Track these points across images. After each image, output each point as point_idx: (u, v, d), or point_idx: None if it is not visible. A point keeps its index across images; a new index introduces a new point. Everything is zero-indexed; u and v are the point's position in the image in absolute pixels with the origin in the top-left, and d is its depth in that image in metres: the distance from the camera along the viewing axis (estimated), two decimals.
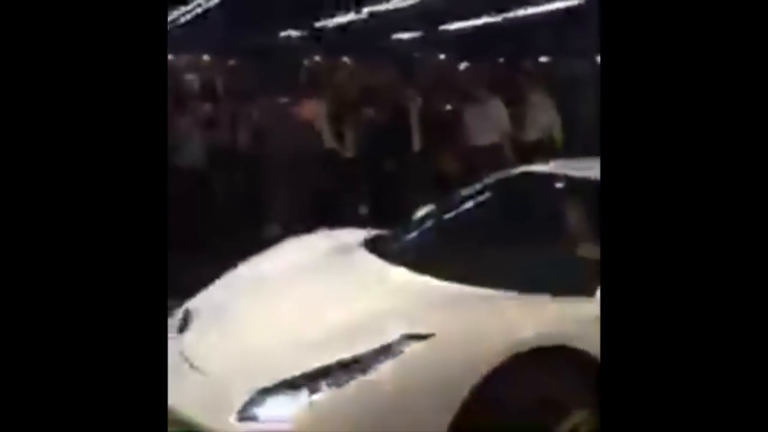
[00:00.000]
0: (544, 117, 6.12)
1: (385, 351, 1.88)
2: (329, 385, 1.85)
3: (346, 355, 1.90)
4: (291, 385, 1.88)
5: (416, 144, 5.93)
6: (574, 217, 2.66)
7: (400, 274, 2.41)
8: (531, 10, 15.49)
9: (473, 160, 5.68)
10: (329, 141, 5.69)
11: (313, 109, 5.63)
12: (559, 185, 2.91)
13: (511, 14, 15.92)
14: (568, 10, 14.70)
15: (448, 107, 6.48)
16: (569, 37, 16.53)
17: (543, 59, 17.24)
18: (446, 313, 2.06)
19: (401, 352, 1.87)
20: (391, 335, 1.91)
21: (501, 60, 11.83)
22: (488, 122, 5.84)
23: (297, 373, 1.89)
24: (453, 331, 1.93)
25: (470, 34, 17.45)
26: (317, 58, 16.43)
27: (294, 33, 15.69)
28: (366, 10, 14.33)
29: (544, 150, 6.13)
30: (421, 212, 3.12)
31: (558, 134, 6.21)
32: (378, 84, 6.83)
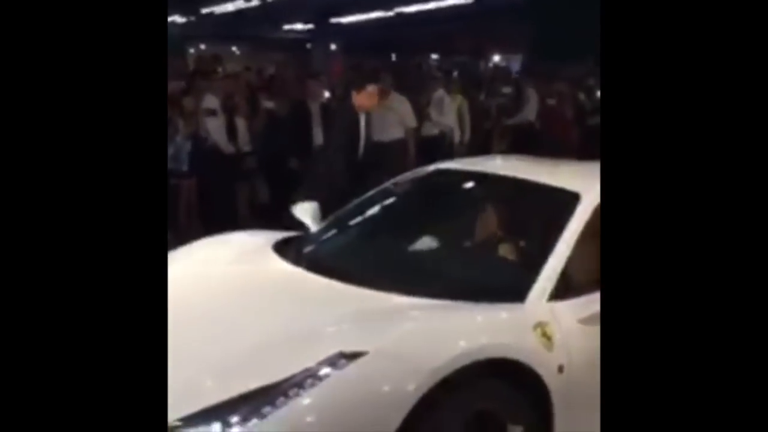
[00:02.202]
0: (446, 113, 6.13)
1: (315, 371, 1.66)
2: (250, 415, 1.60)
3: (269, 378, 1.66)
4: (207, 416, 1.61)
5: (318, 138, 5.71)
6: (493, 216, 2.58)
7: (320, 283, 2.19)
8: (421, 6, 15.73)
9: (376, 155, 5.57)
10: (217, 135, 5.31)
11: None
12: (476, 183, 2.83)
13: (403, 9, 16.06)
14: (456, 8, 15.10)
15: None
16: (457, 35, 17.08)
17: (434, 56, 17.65)
18: (375, 327, 1.87)
19: (333, 372, 1.65)
20: (321, 353, 1.70)
21: (393, 55, 11.90)
22: (393, 118, 5.74)
23: (213, 402, 1.63)
24: (386, 347, 1.74)
25: (361, 28, 17.43)
26: (203, 46, 15.65)
27: (179, 19, 14.77)
28: None
29: (445, 146, 6.16)
30: (333, 214, 2.91)
31: (459, 131, 6.25)
32: (276, 75, 6.53)
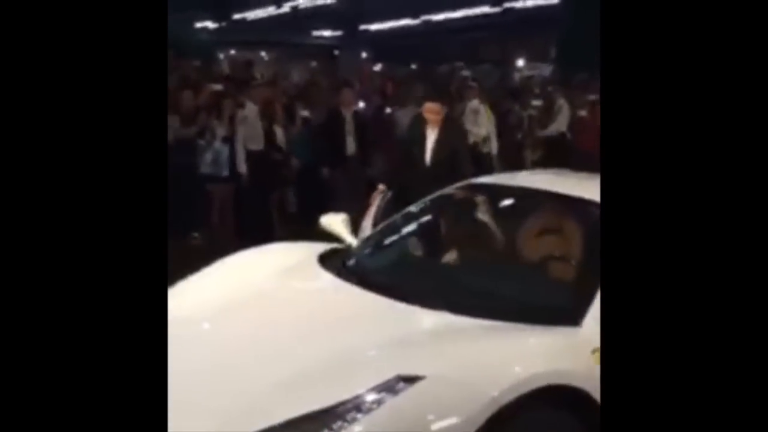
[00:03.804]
0: (480, 123, 6.10)
1: (372, 396, 1.64)
2: None
3: (325, 401, 1.64)
4: None
5: (351, 148, 5.73)
6: (543, 234, 2.55)
7: (370, 299, 2.18)
8: (448, 15, 15.74)
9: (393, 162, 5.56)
10: (256, 141, 5.36)
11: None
12: (520, 199, 2.79)
13: (430, 17, 16.09)
14: (483, 17, 15.06)
15: (388, 110, 6.33)
16: (484, 43, 17.02)
17: (458, 63, 17.63)
18: (431, 350, 1.84)
19: (390, 397, 1.63)
20: (378, 376, 1.68)
21: (431, 64, 11.93)
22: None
23: (267, 425, 1.62)
24: (444, 372, 1.71)
25: (388, 35, 17.49)
26: (233, 51, 15.84)
27: (211, 25, 14.95)
28: (288, 4, 13.90)
29: (482, 157, 6.13)
30: (377, 226, 2.91)
31: (493, 141, 6.22)
32: (312, 82, 6.57)
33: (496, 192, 2.83)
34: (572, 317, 1.97)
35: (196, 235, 5.26)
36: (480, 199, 2.83)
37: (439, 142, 3.76)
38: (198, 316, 2.20)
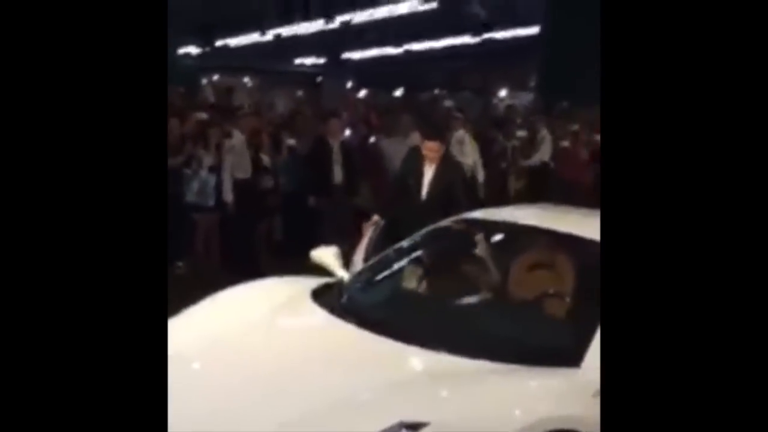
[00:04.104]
0: (466, 153, 6.15)
1: None
2: None
3: None
4: None
5: (338, 177, 5.72)
6: (538, 271, 2.55)
7: (366, 339, 2.14)
8: (430, 45, 15.99)
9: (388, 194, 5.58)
10: (243, 170, 5.34)
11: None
12: (512, 235, 2.80)
13: (411, 47, 16.33)
14: (464, 47, 15.33)
15: (372, 140, 6.35)
16: (465, 72, 17.30)
17: (437, 91, 17.88)
18: (433, 395, 1.81)
19: None
20: (380, 422, 1.65)
21: (414, 92, 12.05)
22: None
23: None
24: (447, 419, 1.69)
25: (370, 63, 17.68)
26: (216, 77, 15.83)
27: (193, 50, 14.98)
28: (271, 32, 13.99)
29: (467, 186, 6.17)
30: (369, 260, 2.89)
31: (479, 170, 6.27)
32: (298, 111, 6.58)
33: (488, 227, 2.84)
34: (572, 358, 1.97)
35: (180, 264, 5.18)
36: (473, 234, 2.83)
37: (437, 177, 3.80)
38: (188, 356, 2.15)
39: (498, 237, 2.87)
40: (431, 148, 3.82)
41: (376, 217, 3.82)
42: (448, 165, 3.88)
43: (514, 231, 2.75)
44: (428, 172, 3.82)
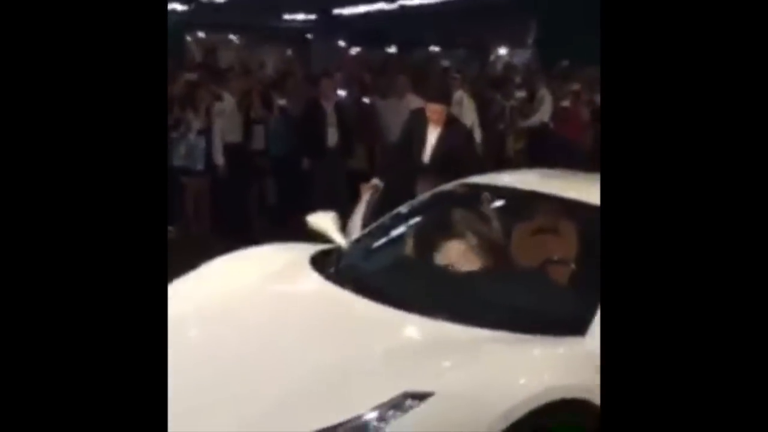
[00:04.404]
0: (465, 114, 6.01)
1: (380, 414, 1.56)
2: None
3: (327, 420, 1.55)
4: None
5: (332, 139, 5.59)
6: (544, 238, 2.48)
7: (368, 307, 2.08)
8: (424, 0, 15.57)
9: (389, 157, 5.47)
10: (233, 133, 5.20)
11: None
12: (515, 201, 2.72)
13: (405, 2, 15.89)
14: (459, 2, 14.94)
15: (366, 100, 6.19)
16: (460, 28, 16.94)
17: (434, 48, 17.49)
18: (437, 364, 1.76)
19: (399, 415, 1.55)
20: (383, 392, 1.59)
21: (408, 48, 11.75)
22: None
23: None
24: (453, 388, 1.65)
25: (362, 19, 17.23)
26: (201, 34, 15.41)
27: (179, 6, 14.51)
28: None
29: None
30: (368, 226, 2.81)
31: (476, 131, 6.14)
32: (288, 71, 6.39)
33: (490, 192, 2.75)
34: (577, 326, 1.92)
35: (171, 228, 5.09)
36: (475, 199, 2.75)
37: (441, 140, 3.68)
38: (185, 324, 2.08)
39: (500, 202, 2.79)
40: (435, 110, 3.70)
41: (375, 180, 3.71)
42: (452, 127, 3.75)
43: (517, 196, 2.67)
44: (432, 136, 3.71)
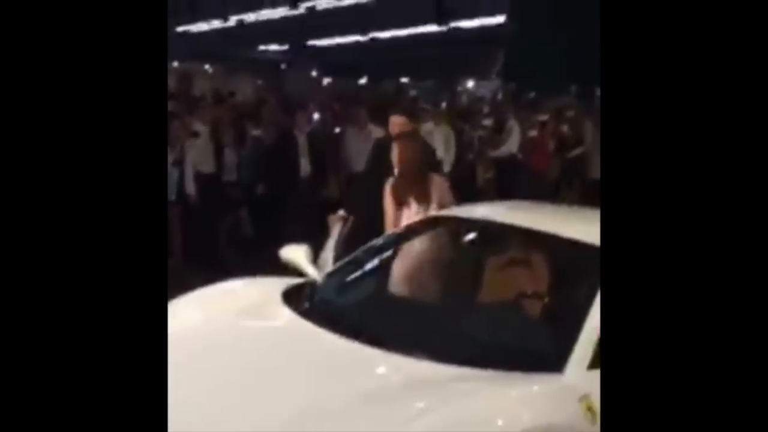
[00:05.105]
0: (436, 145, 6.07)
1: None
2: None
3: None
4: None
5: (305, 169, 5.59)
6: (518, 271, 2.49)
7: (339, 345, 2.04)
8: (395, 33, 15.87)
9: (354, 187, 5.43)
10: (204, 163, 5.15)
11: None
12: (488, 234, 2.73)
13: (378, 34, 16.17)
14: (429, 35, 15.26)
15: (337, 130, 6.22)
16: (429, 61, 17.25)
17: (403, 79, 17.77)
18: (413, 407, 1.71)
19: None
20: None
21: (365, 78, 11.89)
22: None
23: None
24: (425, 430, 1.61)
25: (334, 50, 17.44)
26: (175, 63, 15.40)
27: None
28: (234, 18, 13.62)
29: None
30: (340, 260, 2.79)
31: (446, 161, 6.20)
32: (263, 101, 6.40)
33: (463, 225, 2.77)
34: (554, 362, 1.91)
35: None
36: (448, 232, 2.76)
37: (400, 153, 3.28)
38: None
39: (472, 235, 2.80)
40: (396, 122, 3.50)
41: (341, 212, 3.66)
42: (408, 140, 3.36)
43: (489, 229, 2.68)
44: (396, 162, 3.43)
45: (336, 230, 3.57)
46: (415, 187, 3.13)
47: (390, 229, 3.09)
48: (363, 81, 17.94)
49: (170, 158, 4.97)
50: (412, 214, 3.09)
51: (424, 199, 3.12)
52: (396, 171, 3.38)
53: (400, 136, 3.42)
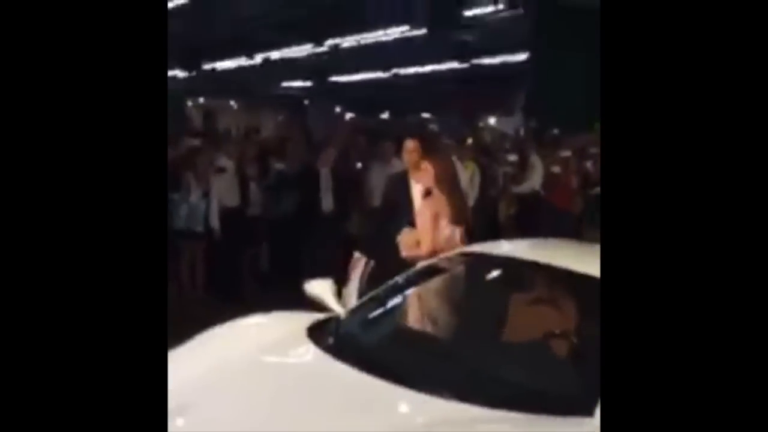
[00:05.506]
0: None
1: None
2: None
3: None
4: None
5: (327, 204, 5.63)
6: (547, 310, 2.46)
7: (366, 383, 2.02)
8: (417, 69, 16.09)
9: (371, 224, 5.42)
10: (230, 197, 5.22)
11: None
12: (515, 271, 2.70)
13: (399, 71, 16.40)
14: (452, 72, 15.44)
15: (359, 165, 6.28)
16: (452, 97, 17.43)
17: (425, 115, 17.90)
18: None
19: None
20: None
21: (388, 113, 12.03)
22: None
23: None
24: None
25: (357, 86, 17.71)
26: (201, 99, 15.79)
27: (180, 74, 14.89)
28: (259, 56, 13.97)
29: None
30: (364, 296, 2.78)
31: (470, 196, 6.19)
32: (287, 137, 6.51)
33: (489, 262, 2.75)
34: (584, 405, 1.87)
35: None
36: (472, 269, 2.74)
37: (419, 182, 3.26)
38: (177, 398, 2.02)
39: (498, 272, 2.78)
40: (408, 149, 3.41)
41: (357, 254, 3.56)
42: (445, 160, 3.30)
43: (515, 266, 2.66)
44: (417, 195, 3.35)
45: (358, 269, 3.57)
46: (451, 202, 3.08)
47: (428, 244, 3.10)
48: (385, 116, 18.15)
49: (198, 192, 5.07)
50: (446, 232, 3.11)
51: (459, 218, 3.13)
52: (419, 199, 3.34)
53: (431, 152, 3.34)
